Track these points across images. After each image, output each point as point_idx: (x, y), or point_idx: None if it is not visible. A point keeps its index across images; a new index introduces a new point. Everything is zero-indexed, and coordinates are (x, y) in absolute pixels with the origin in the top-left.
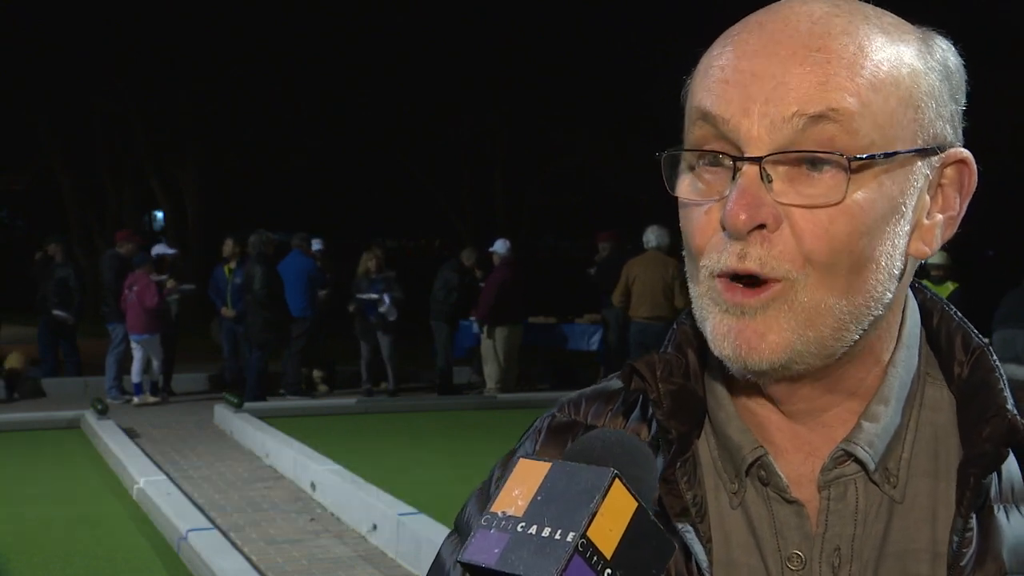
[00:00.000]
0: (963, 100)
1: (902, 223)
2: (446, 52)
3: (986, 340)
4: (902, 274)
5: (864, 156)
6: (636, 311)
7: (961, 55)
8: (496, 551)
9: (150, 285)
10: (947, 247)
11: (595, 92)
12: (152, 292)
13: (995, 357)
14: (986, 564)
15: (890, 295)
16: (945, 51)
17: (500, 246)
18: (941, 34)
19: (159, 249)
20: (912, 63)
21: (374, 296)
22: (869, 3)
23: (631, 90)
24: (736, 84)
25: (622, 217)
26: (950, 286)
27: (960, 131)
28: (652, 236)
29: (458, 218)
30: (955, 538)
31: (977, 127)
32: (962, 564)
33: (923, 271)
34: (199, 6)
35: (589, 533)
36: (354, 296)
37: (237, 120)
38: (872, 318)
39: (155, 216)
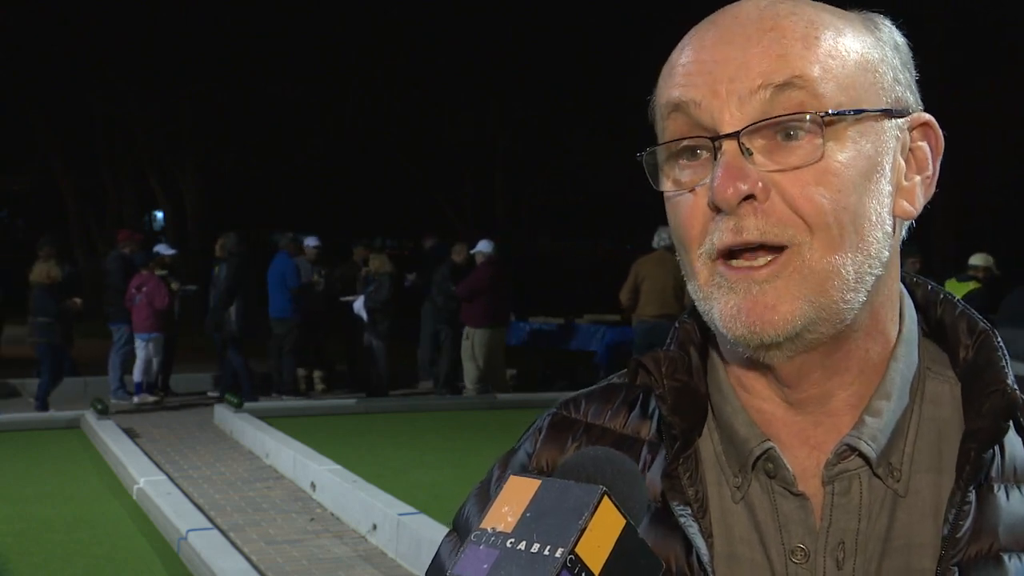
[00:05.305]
0: (914, 72)
1: (883, 181)
2: (446, 52)
3: (990, 325)
4: (893, 233)
5: (834, 112)
6: (644, 310)
7: (904, 32)
8: (485, 567)
9: (160, 286)
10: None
11: (595, 92)
12: (163, 293)
13: (1000, 339)
14: (981, 539)
15: (887, 252)
16: (890, 28)
17: (484, 246)
18: (882, 13)
19: (160, 249)
20: (860, 35)
21: (350, 298)
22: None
23: (631, 89)
24: (701, 73)
25: (622, 217)
26: (971, 285)
27: (919, 98)
28: (664, 235)
29: (458, 218)
30: (952, 511)
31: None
32: (958, 536)
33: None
34: (199, 7)
35: (577, 549)
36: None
37: (237, 121)
38: (874, 278)
39: (155, 216)
